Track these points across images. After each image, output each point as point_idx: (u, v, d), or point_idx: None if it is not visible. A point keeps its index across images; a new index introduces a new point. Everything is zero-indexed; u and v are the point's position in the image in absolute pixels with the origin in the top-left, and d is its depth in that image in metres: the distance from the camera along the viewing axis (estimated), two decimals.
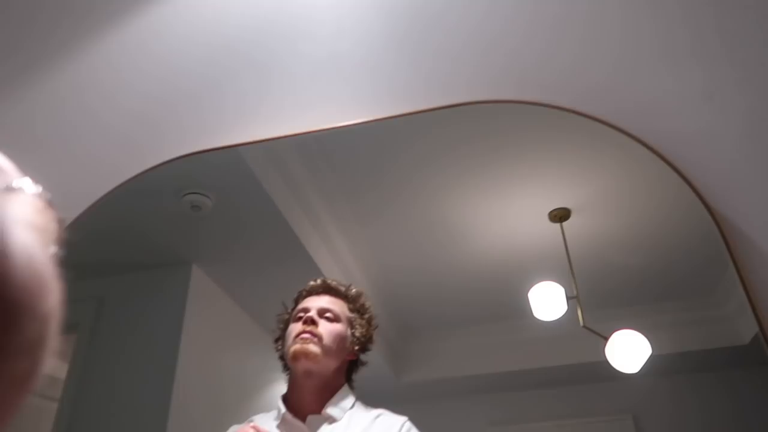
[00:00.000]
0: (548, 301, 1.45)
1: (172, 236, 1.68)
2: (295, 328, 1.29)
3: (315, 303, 1.33)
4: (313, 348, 1.25)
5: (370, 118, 1.64)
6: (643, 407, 1.33)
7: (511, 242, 1.55)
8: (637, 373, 1.32)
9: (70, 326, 1.47)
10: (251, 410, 1.35)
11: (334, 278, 1.41)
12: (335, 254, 1.57)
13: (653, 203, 1.49)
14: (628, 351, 1.36)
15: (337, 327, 1.30)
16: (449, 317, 1.50)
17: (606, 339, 1.36)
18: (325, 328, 1.28)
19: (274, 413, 1.28)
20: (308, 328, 1.26)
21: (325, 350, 1.26)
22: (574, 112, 1.52)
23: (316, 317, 1.28)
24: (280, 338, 1.36)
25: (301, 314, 1.31)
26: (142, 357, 1.51)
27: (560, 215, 1.52)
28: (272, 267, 1.62)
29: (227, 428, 1.31)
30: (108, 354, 1.52)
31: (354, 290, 1.37)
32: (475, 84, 1.67)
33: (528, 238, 1.54)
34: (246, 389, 1.51)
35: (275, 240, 1.63)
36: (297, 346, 1.25)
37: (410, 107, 1.63)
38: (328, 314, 1.30)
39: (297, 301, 1.37)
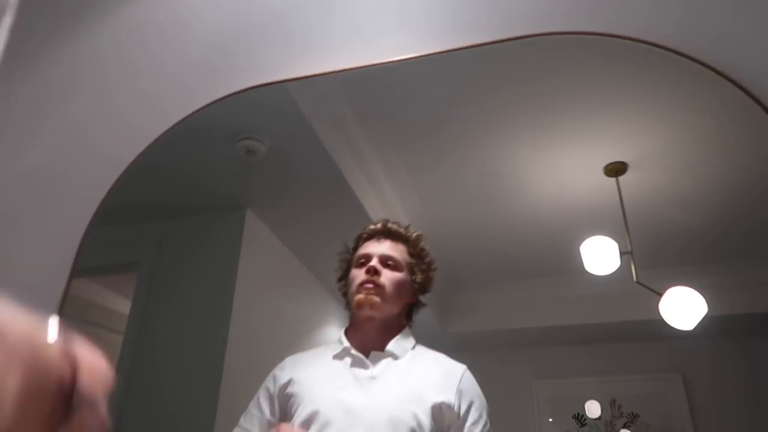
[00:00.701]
0: (601, 256, 1.43)
1: (228, 181, 1.72)
2: (358, 275, 1.31)
3: (376, 249, 1.34)
4: (376, 298, 1.27)
5: (429, 51, 1.62)
6: (693, 367, 1.31)
7: (564, 196, 1.52)
8: (688, 333, 1.30)
9: (130, 265, 1.55)
10: (303, 350, 1.39)
11: (394, 221, 1.40)
12: (385, 203, 1.58)
13: (717, 159, 1.42)
14: (684, 307, 1.33)
15: (399, 275, 1.31)
16: (498, 271, 1.50)
17: (660, 295, 1.34)
18: (387, 277, 1.29)
19: (330, 348, 1.31)
20: (371, 278, 1.28)
21: (388, 299, 1.28)
22: (642, 41, 1.44)
23: (378, 266, 1.29)
24: (343, 278, 1.38)
25: (363, 260, 1.32)
26: (200, 296, 1.57)
27: (616, 169, 1.47)
28: (322, 212, 1.64)
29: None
30: (167, 293, 1.59)
31: (414, 233, 1.36)
32: (532, 16, 1.61)
33: (582, 192, 1.50)
34: (298, 330, 1.56)
35: (326, 186, 1.65)
36: (360, 296, 1.28)
37: (471, 40, 1.60)
38: (389, 262, 1.31)
39: (358, 243, 1.38)
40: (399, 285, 1.31)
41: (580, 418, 1.33)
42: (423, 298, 1.35)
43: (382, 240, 1.35)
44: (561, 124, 1.54)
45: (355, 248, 1.38)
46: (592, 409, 1.33)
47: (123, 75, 2.01)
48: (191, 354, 1.51)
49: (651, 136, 1.48)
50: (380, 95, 1.70)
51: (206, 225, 1.65)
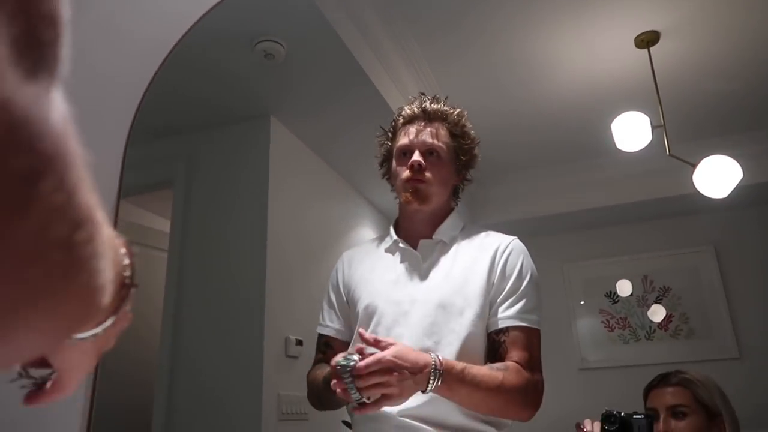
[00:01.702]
0: (632, 131, 1.39)
1: (250, 88, 1.70)
2: (402, 170, 1.24)
3: (418, 137, 1.23)
4: (423, 192, 1.22)
5: None
6: (725, 239, 1.31)
7: (593, 75, 1.46)
8: (721, 205, 1.28)
9: (165, 183, 1.58)
10: (338, 252, 1.43)
11: (430, 95, 1.28)
12: (407, 96, 1.55)
13: (751, 22, 1.33)
14: (718, 175, 1.31)
15: (444, 165, 1.24)
16: (527, 159, 1.48)
17: (694, 166, 1.31)
18: (433, 170, 1.22)
19: (382, 242, 1.31)
20: (416, 177, 1.21)
21: (435, 191, 1.23)
22: None
23: (421, 161, 1.21)
24: (384, 163, 1.32)
25: (405, 152, 1.24)
26: (235, 206, 1.62)
27: (648, 39, 1.39)
28: (345, 113, 1.63)
29: (317, 266, 1.41)
30: (203, 206, 1.64)
31: (455, 112, 1.25)
32: None
33: (612, 68, 1.44)
34: (332, 232, 1.61)
35: (347, 85, 1.62)
36: (408, 193, 1.22)
37: None
38: (432, 152, 1.23)
39: (396, 128, 1.29)
40: (445, 175, 1.24)
41: (613, 296, 1.36)
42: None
43: (422, 124, 1.24)
44: None
45: (394, 133, 1.30)
46: (624, 287, 1.36)
47: None
48: (234, 263, 1.58)
49: (683, 2, 1.38)
50: None
51: (233, 135, 1.66)
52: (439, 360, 0.99)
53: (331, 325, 1.26)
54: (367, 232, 1.46)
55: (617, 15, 1.44)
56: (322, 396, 1.14)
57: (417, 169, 1.20)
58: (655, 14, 1.38)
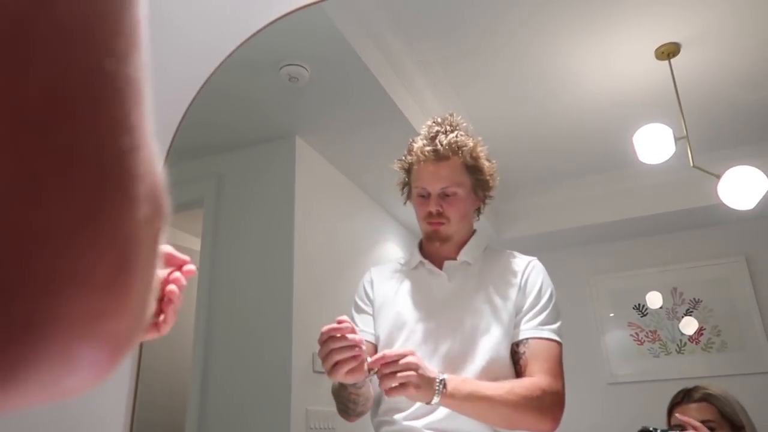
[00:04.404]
0: (655, 144, 1.39)
1: (275, 110, 1.75)
2: (421, 209, 1.27)
3: (433, 180, 1.25)
4: (443, 233, 1.25)
5: None
6: (756, 249, 1.29)
7: (614, 86, 1.46)
8: (750, 214, 1.27)
9: (196, 202, 1.63)
10: (365, 267, 1.45)
11: (439, 127, 1.27)
12: (429, 114, 1.57)
13: None
14: (744, 187, 1.29)
15: (462, 202, 1.26)
16: (549, 171, 1.48)
17: (718, 177, 1.30)
18: (451, 210, 1.25)
19: (407, 261, 1.33)
20: (435, 220, 1.24)
21: (456, 228, 1.26)
22: None
23: (439, 205, 1.24)
24: (405, 187, 1.34)
25: (422, 193, 1.26)
26: (263, 225, 1.65)
27: (669, 51, 1.39)
28: (368, 131, 1.66)
29: (342, 283, 1.43)
30: (233, 225, 1.68)
31: (468, 146, 1.25)
32: None
33: (633, 80, 1.44)
34: (357, 249, 1.62)
35: (370, 104, 1.65)
36: (429, 230, 1.26)
37: None
38: (449, 191, 1.25)
39: (410, 164, 1.29)
40: (464, 209, 1.27)
41: (642, 309, 1.35)
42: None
43: (438, 165, 1.24)
44: (607, 9, 1.45)
45: (409, 169, 1.30)
46: (653, 299, 1.34)
47: (161, 20, 2.03)
48: (262, 280, 1.61)
49: (703, 12, 1.38)
50: (414, 5, 1.65)
51: (260, 156, 1.70)
52: (443, 376, 1.04)
53: (363, 328, 1.28)
54: (392, 247, 1.48)
55: (636, 28, 1.44)
56: (341, 395, 1.17)
57: (436, 215, 1.24)
58: (675, 26, 1.39)
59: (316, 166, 1.66)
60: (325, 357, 1.01)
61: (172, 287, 0.70)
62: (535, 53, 1.51)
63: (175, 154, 1.70)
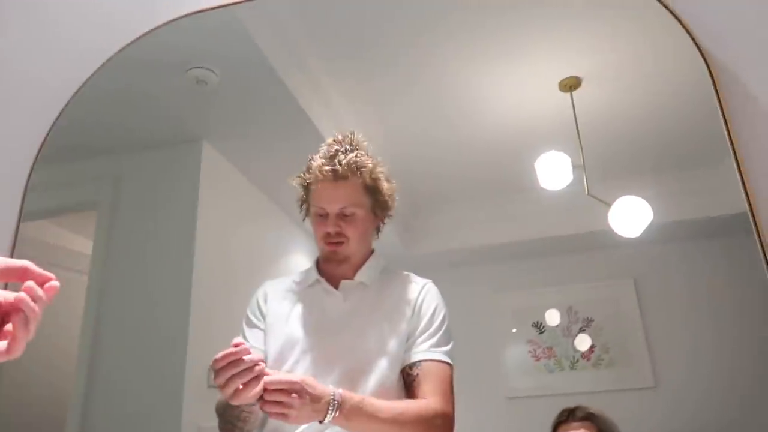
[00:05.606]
0: (554, 171, 1.47)
1: (181, 113, 1.68)
2: (319, 231, 1.26)
3: (332, 200, 1.24)
4: (342, 253, 1.25)
5: None
6: (643, 272, 1.39)
7: (520, 114, 1.54)
8: (638, 240, 1.37)
9: (89, 204, 1.52)
10: (271, 277, 1.41)
11: (339, 146, 1.26)
12: (342, 129, 1.57)
13: (664, 74, 1.45)
14: (631, 216, 1.40)
15: (360, 222, 1.26)
16: (457, 191, 1.52)
17: (610, 206, 1.40)
18: (349, 229, 1.24)
19: (303, 278, 1.31)
20: (333, 240, 1.24)
21: (354, 248, 1.26)
22: None
23: (337, 226, 1.23)
24: (304, 203, 1.32)
25: (321, 212, 1.25)
26: (162, 231, 1.57)
27: (570, 84, 1.49)
28: (280, 141, 1.63)
29: (244, 295, 1.38)
30: (129, 230, 1.59)
31: (366, 166, 1.25)
32: None
33: (538, 108, 1.52)
34: (260, 259, 1.58)
35: (282, 114, 1.63)
36: (327, 251, 1.26)
37: None
38: (348, 213, 1.24)
39: (309, 183, 1.28)
40: (362, 229, 1.27)
41: (540, 326, 1.41)
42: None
43: (336, 185, 1.23)
44: (516, 38, 1.54)
45: (308, 187, 1.29)
46: (551, 317, 1.41)
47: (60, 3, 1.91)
48: (158, 289, 1.53)
49: (604, 50, 1.49)
50: (332, 18, 1.65)
51: (163, 159, 1.63)
52: (339, 393, 1.02)
53: (254, 344, 1.23)
54: (300, 259, 1.45)
55: (544, 60, 1.53)
56: (230, 414, 1.13)
57: (334, 235, 1.24)
58: (578, 61, 1.49)
59: (223, 173, 1.60)
60: (225, 384, 0.96)
61: (22, 297, 0.62)
62: (449, 76, 1.56)
63: (68, 154, 1.59)
